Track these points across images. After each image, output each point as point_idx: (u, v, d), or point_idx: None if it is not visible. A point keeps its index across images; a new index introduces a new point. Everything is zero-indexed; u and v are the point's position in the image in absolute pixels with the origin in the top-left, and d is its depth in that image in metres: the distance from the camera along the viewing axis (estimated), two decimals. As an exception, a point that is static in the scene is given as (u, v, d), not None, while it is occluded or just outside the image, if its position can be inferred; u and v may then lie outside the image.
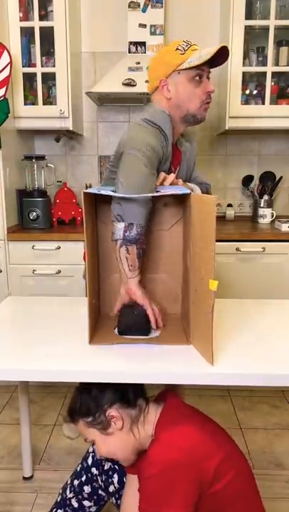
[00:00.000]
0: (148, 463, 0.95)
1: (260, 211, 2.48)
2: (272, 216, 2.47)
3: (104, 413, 1.04)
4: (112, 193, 1.10)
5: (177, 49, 1.30)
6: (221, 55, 1.28)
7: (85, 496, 1.25)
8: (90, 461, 1.26)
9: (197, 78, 1.30)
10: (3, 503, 1.56)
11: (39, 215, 2.32)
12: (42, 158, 2.40)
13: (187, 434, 0.97)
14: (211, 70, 1.33)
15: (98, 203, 1.23)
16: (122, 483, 1.21)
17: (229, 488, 0.96)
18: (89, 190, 1.06)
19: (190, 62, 1.27)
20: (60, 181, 2.56)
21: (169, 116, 1.31)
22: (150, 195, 1.11)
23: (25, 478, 1.67)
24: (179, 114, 1.35)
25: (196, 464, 0.93)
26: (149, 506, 0.93)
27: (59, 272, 2.20)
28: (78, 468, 1.29)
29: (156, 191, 1.12)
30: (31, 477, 1.68)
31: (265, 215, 2.47)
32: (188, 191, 1.09)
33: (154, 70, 1.36)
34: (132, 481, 1.12)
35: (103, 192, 1.09)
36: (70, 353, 1.07)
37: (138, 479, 1.04)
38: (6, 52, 2.02)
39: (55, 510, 1.30)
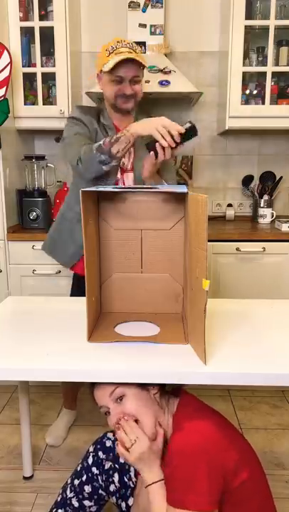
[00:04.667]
0: (172, 452, 0.96)
1: (260, 211, 2.48)
2: (273, 216, 2.47)
3: None
4: (110, 189, 1.12)
5: (106, 49, 1.54)
6: (135, 62, 1.51)
7: (86, 495, 1.25)
8: (90, 460, 1.26)
9: (117, 80, 1.54)
10: (3, 503, 1.56)
11: (39, 215, 2.32)
12: (42, 158, 2.40)
13: (208, 424, 0.98)
14: (139, 73, 1.57)
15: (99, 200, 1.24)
16: (122, 482, 1.21)
17: (246, 484, 0.96)
18: (88, 189, 1.07)
19: (104, 68, 1.52)
20: (60, 181, 2.56)
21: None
22: (152, 191, 1.18)
23: (25, 478, 1.67)
24: (108, 102, 1.65)
25: (219, 452, 0.93)
26: (176, 495, 0.93)
27: (59, 272, 2.20)
28: (78, 468, 1.28)
29: (156, 188, 1.14)
30: (31, 477, 1.68)
31: (265, 215, 2.47)
32: (186, 190, 1.10)
33: (96, 64, 1.64)
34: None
35: (101, 188, 1.11)
36: (70, 352, 1.07)
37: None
38: (6, 52, 2.03)
39: (55, 510, 1.29)
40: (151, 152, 1.40)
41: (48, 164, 2.45)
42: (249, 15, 2.21)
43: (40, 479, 1.68)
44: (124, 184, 1.68)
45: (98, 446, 1.27)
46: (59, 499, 1.30)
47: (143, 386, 1.07)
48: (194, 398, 1.12)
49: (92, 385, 1.11)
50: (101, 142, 1.45)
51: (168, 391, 1.15)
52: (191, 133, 1.38)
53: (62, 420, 1.99)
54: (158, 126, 1.34)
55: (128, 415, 1.04)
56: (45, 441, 1.90)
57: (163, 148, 1.37)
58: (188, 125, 1.37)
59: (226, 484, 0.93)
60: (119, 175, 1.67)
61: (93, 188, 1.09)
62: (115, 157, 1.44)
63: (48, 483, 1.65)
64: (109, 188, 1.13)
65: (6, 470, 1.74)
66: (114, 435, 1.26)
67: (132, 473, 1.23)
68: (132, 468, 1.21)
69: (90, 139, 1.60)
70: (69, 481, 1.30)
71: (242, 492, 0.96)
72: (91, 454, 1.27)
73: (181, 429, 0.99)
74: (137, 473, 1.21)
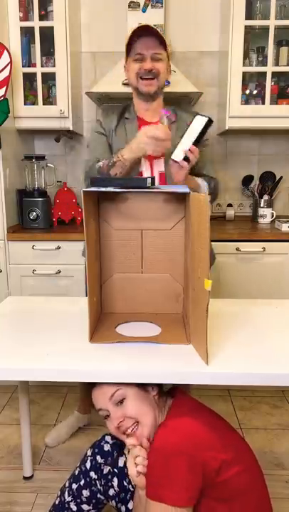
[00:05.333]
0: (152, 449, 0.97)
1: (260, 211, 2.48)
2: (273, 216, 2.47)
3: None
4: (111, 189, 1.12)
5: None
6: (150, 33, 1.47)
7: (84, 499, 1.24)
8: (88, 465, 1.25)
9: (138, 58, 1.51)
10: (3, 503, 1.56)
11: (39, 215, 2.32)
12: (42, 158, 2.40)
13: (195, 423, 0.98)
14: (160, 51, 1.52)
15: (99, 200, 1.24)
16: (122, 486, 1.20)
17: (237, 480, 0.96)
18: (89, 189, 1.06)
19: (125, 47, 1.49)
20: (60, 181, 2.56)
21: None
22: (153, 191, 1.16)
23: (25, 478, 1.67)
24: (132, 89, 1.62)
25: (200, 451, 0.93)
26: (153, 489, 0.94)
27: (59, 272, 2.20)
28: (76, 472, 1.27)
29: (157, 188, 1.14)
30: (31, 477, 1.68)
31: (265, 215, 2.47)
32: (188, 191, 1.09)
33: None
34: None
35: (103, 189, 1.10)
36: (71, 352, 1.07)
37: None
38: (6, 52, 2.02)
39: (53, 513, 1.29)
40: (181, 161, 1.39)
41: (48, 164, 2.45)
42: (249, 15, 2.21)
43: (40, 479, 1.68)
44: (152, 173, 1.60)
45: (96, 450, 1.25)
46: (57, 502, 1.29)
47: (143, 387, 1.07)
48: (190, 398, 1.12)
49: (91, 387, 1.11)
50: (100, 164, 1.43)
51: (165, 392, 1.15)
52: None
53: (68, 423, 1.94)
54: (144, 140, 1.27)
55: (129, 418, 1.05)
56: (44, 441, 1.88)
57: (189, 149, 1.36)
58: (165, 121, 1.32)
59: (209, 480, 0.94)
60: (145, 165, 1.59)
61: (94, 189, 1.08)
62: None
63: (48, 483, 1.65)
64: (110, 189, 1.13)
65: (6, 470, 1.74)
66: (112, 438, 1.26)
67: None
68: None
69: (106, 146, 1.62)
70: (67, 485, 1.28)
71: (233, 486, 0.96)
72: (89, 458, 1.26)
73: (165, 426, 1.00)
74: None
